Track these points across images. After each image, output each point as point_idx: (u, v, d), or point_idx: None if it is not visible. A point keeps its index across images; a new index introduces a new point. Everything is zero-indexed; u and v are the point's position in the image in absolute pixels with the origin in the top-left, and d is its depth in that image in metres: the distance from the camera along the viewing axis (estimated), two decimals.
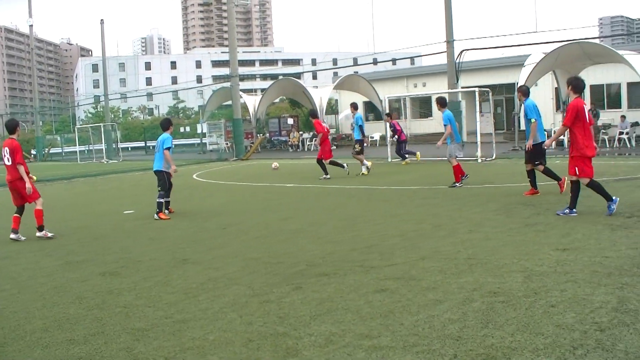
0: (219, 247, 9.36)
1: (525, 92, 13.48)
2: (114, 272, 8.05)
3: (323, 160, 19.56)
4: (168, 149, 13.31)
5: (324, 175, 19.28)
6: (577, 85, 10.41)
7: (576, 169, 10.19)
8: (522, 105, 13.48)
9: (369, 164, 20.64)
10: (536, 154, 12.95)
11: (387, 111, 28.23)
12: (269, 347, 4.98)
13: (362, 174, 20.09)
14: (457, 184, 15.43)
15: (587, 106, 10.38)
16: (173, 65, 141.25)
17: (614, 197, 10.18)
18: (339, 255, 8.28)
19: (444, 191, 14.81)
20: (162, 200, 13.16)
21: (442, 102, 16.00)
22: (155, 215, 12.98)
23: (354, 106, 21.45)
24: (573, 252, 7.63)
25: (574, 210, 10.38)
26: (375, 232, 9.85)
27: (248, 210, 13.58)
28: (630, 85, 36.18)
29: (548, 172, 13.16)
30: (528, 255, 7.59)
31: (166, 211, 13.26)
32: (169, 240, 10.25)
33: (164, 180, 13.34)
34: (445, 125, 15.56)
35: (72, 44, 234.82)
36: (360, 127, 20.94)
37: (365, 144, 22.11)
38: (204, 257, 8.70)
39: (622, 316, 5.19)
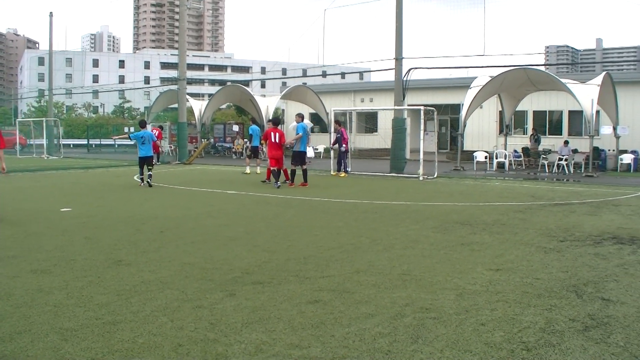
0: (155, 250, 9.25)
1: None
2: (46, 270, 7.88)
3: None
4: (154, 140, 20.24)
5: None
6: (274, 121, 20.12)
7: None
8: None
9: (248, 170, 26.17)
10: (296, 158, 20.13)
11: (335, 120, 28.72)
12: (198, 353, 4.95)
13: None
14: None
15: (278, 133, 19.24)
16: (121, 64, 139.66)
17: (279, 182, 18.94)
18: (275, 264, 8.28)
19: (383, 206, 14.95)
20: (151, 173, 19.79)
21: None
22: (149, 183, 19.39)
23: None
24: (505, 272, 7.78)
25: (277, 183, 18.91)
26: (312, 243, 9.88)
27: (186, 215, 13.47)
28: (572, 113, 37.04)
29: (293, 173, 19.93)
30: (462, 273, 7.72)
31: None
32: (104, 240, 10.08)
33: (152, 161, 19.99)
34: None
35: (18, 35, 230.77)
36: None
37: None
38: (139, 259, 8.60)
39: (549, 337, 5.32)
